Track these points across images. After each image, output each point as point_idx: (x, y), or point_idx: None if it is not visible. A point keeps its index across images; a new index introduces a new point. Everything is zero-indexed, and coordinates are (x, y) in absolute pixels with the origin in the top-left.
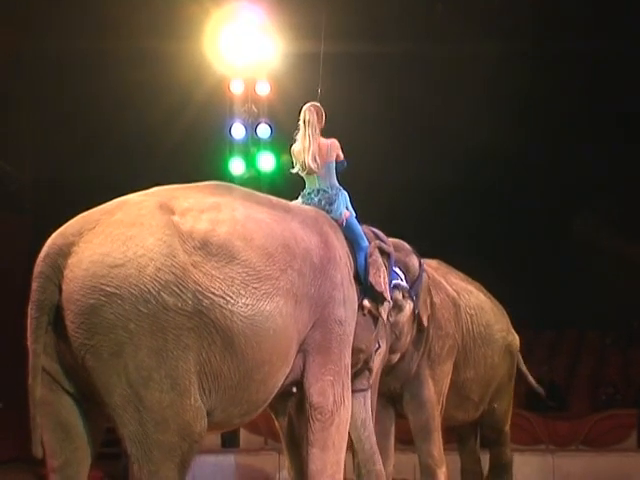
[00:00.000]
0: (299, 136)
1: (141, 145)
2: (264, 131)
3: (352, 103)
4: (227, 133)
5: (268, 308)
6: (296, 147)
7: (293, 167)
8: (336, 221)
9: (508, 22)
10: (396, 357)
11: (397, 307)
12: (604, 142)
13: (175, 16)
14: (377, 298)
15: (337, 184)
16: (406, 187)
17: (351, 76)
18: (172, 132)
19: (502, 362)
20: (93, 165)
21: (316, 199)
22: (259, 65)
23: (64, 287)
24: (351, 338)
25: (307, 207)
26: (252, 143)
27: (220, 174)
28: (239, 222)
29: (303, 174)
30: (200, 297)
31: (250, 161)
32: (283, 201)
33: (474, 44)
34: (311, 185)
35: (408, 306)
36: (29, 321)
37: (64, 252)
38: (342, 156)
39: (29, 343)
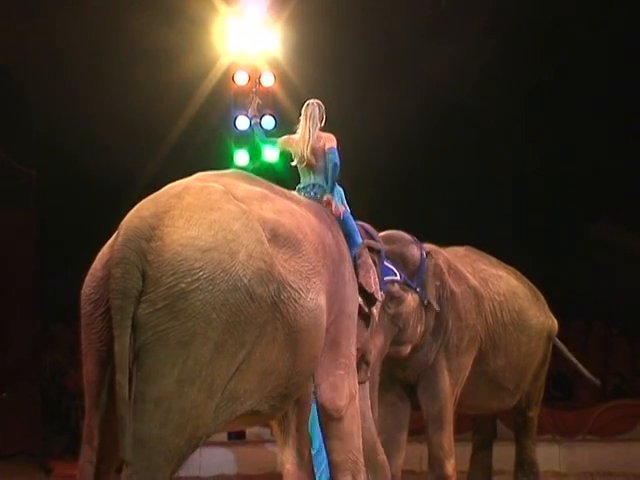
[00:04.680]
0: (299, 129)
1: (146, 138)
2: (268, 123)
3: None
4: (232, 125)
5: (322, 303)
6: (295, 140)
7: (292, 160)
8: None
9: None
10: (406, 348)
11: (395, 299)
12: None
13: (179, 8)
14: (368, 298)
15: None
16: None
17: None
18: (177, 124)
19: (539, 348)
20: (97, 159)
21: (312, 193)
22: (263, 57)
23: (150, 272)
24: (356, 328)
25: (310, 200)
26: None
27: (225, 166)
28: (293, 214)
29: (301, 166)
30: (281, 289)
31: (255, 153)
32: (291, 193)
33: None
34: (305, 179)
35: (410, 297)
36: (113, 312)
37: (146, 235)
38: (334, 146)
39: (115, 335)
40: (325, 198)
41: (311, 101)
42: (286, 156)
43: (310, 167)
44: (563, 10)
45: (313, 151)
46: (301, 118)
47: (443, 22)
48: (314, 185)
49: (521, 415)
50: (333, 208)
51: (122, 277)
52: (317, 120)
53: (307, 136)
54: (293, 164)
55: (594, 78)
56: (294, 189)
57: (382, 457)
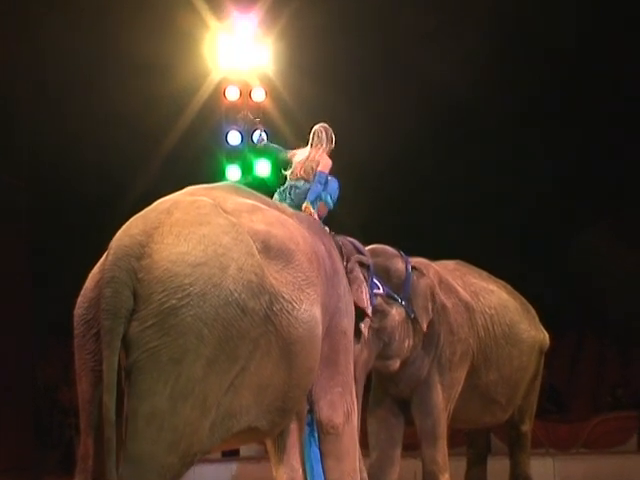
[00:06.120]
0: (304, 151)
1: (137, 153)
2: (260, 137)
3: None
4: (223, 140)
5: (317, 314)
6: (299, 157)
7: (285, 170)
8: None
9: None
10: (394, 363)
11: (379, 313)
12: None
13: (170, 24)
14: (359, 313)
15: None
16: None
17: None
18: (168, 140)
19: (531, 362)
20: (87, 173)
21: (289, 198)
22: (254, 72)
23: (141, 290)
24: (352, 344)
25: (302, 213)
26: (248, 150)
27: (217, 181)
28: (285, 225)
29: (289, 177)
30: (273, 301)
31: (246, 168)
32: (283, 205)
33: None
34: (289, 183)
35: (394, 311)
36: (103, 332)
37: (136, 253)
38: (324, 171)
39: (104, 356)
40: (304, 205)
41: (318, 127)
42: (282, 167)
43: (299, 179)
44: (563, 13)
45: (306, 171)
46: (310, 140)
47: (438, 37)
48: (292, 187)
49: (515, 429)
50: (314, 214)
51: (112, 297)
52: (323, 144)
53: (306, 160)
54: (286, 172)
55: (592, 85)
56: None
57: (364, 476)
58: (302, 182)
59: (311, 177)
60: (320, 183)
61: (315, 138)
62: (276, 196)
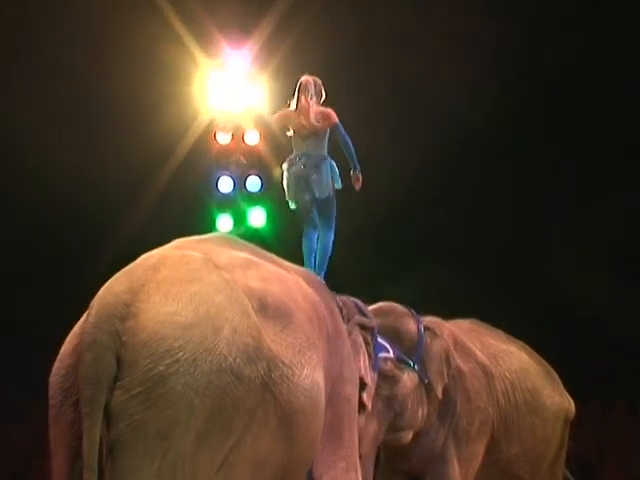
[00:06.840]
0: (294, 101)
1: (122, 201)
2: (254, 184)
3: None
4: (213, 187)
5: (319, 380)
6: (294, 111)
7: (287, 131)
8: (322, 191)
9: None
10: (407, 435)
11: (389, 379)
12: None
13: (156, 60)
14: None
15: (325, 153)
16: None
17: None
18: (154, 186)
19: (555, 432)
20: (72, 220)
21: (300, 164)
22: (247, 113)
23: (125, 355)
24: (356, 413)
25: (301, 268)
26: (241, 197)
27: (207, 232)
28: (282, 280)
29: (300, 135)
30: (272, 367)
31: (239, 217)
32: (278, 258)
33: None
34: (297, 150)
35: (406, 376)
36: (83, 402)
37: (120, 313)
38: (338, 122)
39: (84, 428)
40: (354, 176)
41: (305, 77)
42: (273, 217)
43: (308, 136)
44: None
45: (317, 119)
46: (296, 93)
47: (440, 71)
48: (303, 154)
49: None
50: (325, 184)
51: (93, 362)
52: (314, 92)
53: (307, 105)
54: (289, 134)
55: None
56: (284, 255)
57: None
58: (312, 147)
59: (321, 132)
60: (348, 136)
61: (302, 89)
62: (285, 165)
